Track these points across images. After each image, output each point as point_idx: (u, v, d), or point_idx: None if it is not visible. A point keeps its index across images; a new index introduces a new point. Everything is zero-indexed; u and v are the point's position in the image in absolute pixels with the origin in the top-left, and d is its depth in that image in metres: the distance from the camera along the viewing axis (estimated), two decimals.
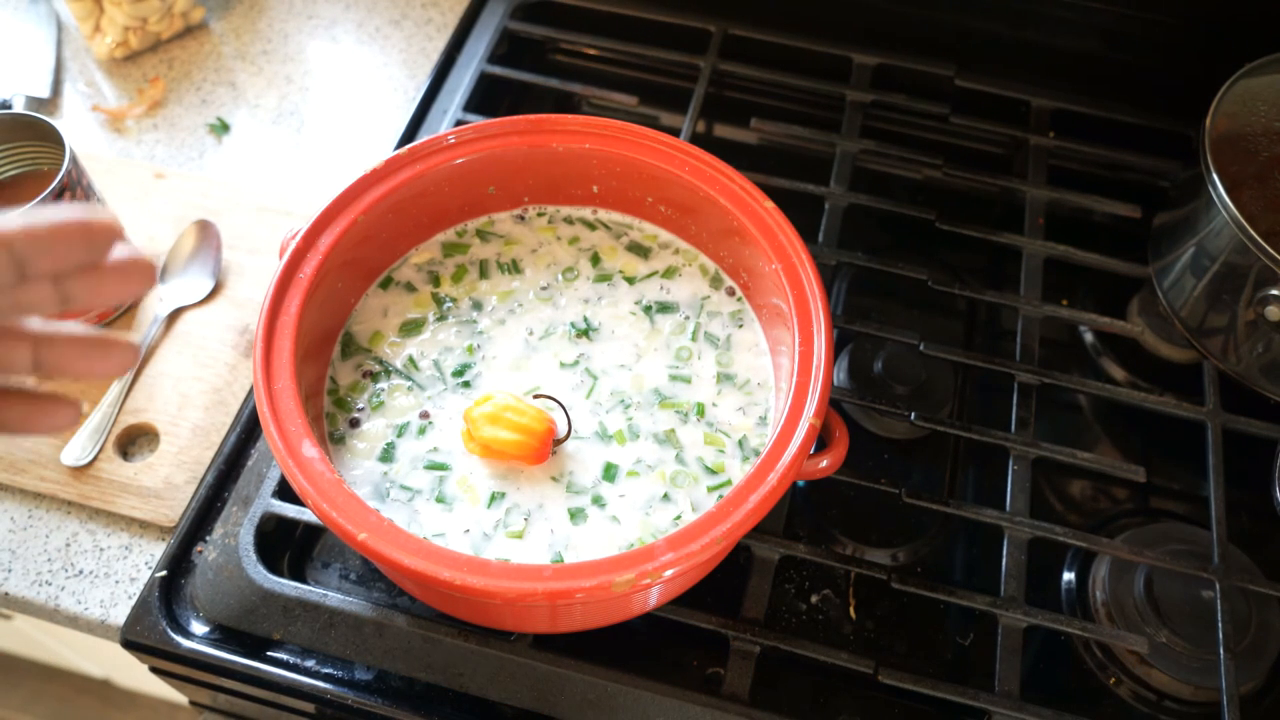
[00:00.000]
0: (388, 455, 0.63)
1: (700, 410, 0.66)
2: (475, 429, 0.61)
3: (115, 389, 0.75)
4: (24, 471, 0.72)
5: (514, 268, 0.72)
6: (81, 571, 0.69)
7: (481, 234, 0.74)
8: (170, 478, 0.72)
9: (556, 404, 0.63)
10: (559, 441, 0.63)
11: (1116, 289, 0.84)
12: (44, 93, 0.94)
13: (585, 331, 0.69)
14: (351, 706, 0.63)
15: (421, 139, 0.71)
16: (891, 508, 0.72)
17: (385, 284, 0.71)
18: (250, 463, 0.71)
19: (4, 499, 0.72)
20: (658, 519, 0.61)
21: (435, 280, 0.71)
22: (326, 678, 0.64)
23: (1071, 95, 0.90)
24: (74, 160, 0.72)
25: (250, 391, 0.76)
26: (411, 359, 0.67)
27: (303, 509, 0.68)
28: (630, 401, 0.66)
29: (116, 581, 0.69)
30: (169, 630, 0.64)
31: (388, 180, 0.67)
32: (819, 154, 0.87)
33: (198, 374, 0.76)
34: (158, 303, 0.80)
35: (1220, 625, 0.65)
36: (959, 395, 0.79)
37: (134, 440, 0.75)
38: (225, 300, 0.80)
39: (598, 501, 0.62)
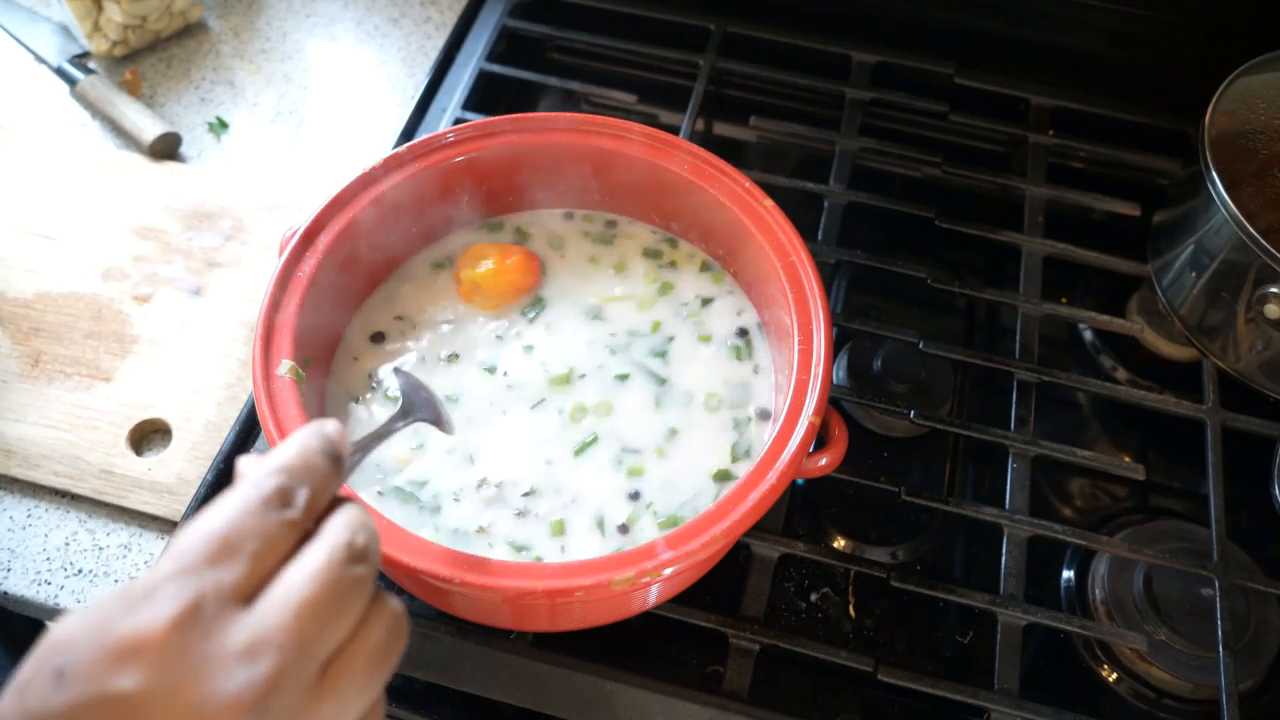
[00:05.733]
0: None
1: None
2: (464, 276, 0.69)
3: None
4: (37, 467, 0.72)
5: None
6: (81, 570, 0.69)
7: (483, 232, 0.74)
8: (183, 473, 0.72)
9: None
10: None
11: (1116, 287, 0.84)
12: None
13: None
14: None
15: (420, 137, 0.71)
16: (891, 506, 0.72)
17: (388, 282, 0.71)
18: None
19: (3, 498, 0.72)
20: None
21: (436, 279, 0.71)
22: None
23: (1071, 93, 0.90)
24: None
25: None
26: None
27: None
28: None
29: (116, 580, 0.69)
30: None
31: (387, 178, 0.67)
32: (818, 152, 0.87)
33: (209, 370, 0.76)
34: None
35: (1219, 623, 0.65)
36: (958, 393, 0.79)
37: (146, 436, 0.75)
38: (236, 296, 0.80)
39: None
